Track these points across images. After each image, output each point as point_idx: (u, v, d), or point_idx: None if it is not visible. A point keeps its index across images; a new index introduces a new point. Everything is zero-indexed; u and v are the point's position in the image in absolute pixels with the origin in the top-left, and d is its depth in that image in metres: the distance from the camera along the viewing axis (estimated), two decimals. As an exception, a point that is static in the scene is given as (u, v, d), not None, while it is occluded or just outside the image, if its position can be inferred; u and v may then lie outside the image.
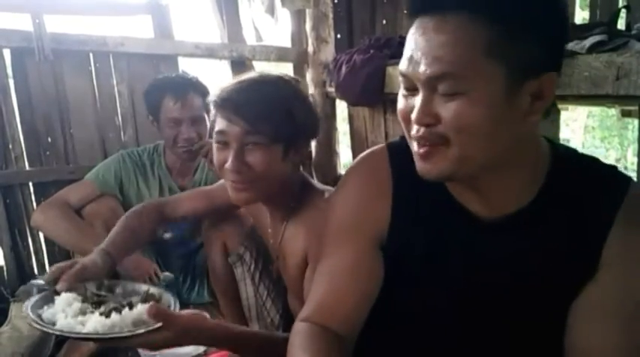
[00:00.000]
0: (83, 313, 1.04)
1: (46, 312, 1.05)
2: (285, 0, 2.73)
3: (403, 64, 0.76)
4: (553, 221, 0.82)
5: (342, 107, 3.02)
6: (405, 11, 0.79)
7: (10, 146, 2.25)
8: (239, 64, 2.78)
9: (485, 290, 0.86)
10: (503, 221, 0.83)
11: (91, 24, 2.61)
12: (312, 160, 2.71)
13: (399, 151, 0.91)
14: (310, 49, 2.84)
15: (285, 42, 2.97)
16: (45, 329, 1.00)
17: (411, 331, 0.94)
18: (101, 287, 1.16)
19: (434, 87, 0.72)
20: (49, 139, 2.35)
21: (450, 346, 0.91)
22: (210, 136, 1.41)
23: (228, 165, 1.14)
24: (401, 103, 0.79)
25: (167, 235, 2.03)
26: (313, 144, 1.28)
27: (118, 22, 2.65)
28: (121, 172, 1.98)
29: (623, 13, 1.71)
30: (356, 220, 0.92)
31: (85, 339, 1.05)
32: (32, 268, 2.34)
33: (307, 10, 2.80)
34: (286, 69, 2.87)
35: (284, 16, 2.92)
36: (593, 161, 0.86)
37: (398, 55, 1.01)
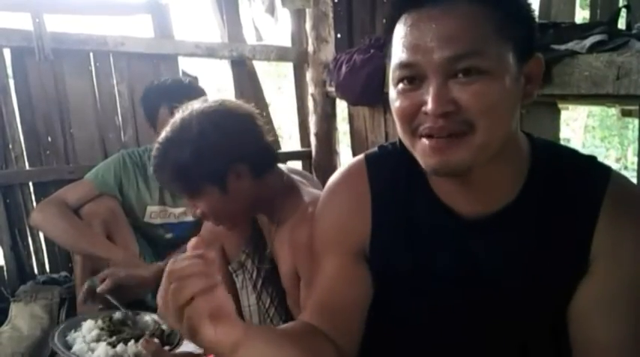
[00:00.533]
0: (97, 340, 1.26)
1: (71, 335, 1.31)
2: (285, -1, 2.74)
3: (407, 55, 0.73)
4: (538, 217, 0.82)
5: (342, 107, 3.02)
6: (398, 5, 0.76)
7: (10, 146, 2.24)
8: (239, 64, 2.79)
9: (476, 291, 0.85)
10: (490, 220, 0.83)
11: (91, 23, 2.62)
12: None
13: (378, 161, 0.92)
14: (310, 48, 2.84)
15: (286, 41, 2.97)
16: (59, 352, 1.22)
17: (405, 336, 0.93)
18: (126, 318, 1.39)
19: (449, 72, 0.70)
20: (49, 139, 2.35)
21: (443, 347, 0.90)
22: None
23: None
24: (400, 100, 0.75)
25: (168, 236, 2.03)
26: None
27: (118, 21, 2.65)
28: (121, 172, 1.97)
29: (623, 13, 1.71)
30: (336, 237, 0.92)
31: None
32: (32, 268, 2.33)
33: (307, 10, 2.80)
34: (286, 68, 2.87)
35: (284, 15, 2.92)
36: (572, 153, 0.86)
37: (398, 54, 1.00)
